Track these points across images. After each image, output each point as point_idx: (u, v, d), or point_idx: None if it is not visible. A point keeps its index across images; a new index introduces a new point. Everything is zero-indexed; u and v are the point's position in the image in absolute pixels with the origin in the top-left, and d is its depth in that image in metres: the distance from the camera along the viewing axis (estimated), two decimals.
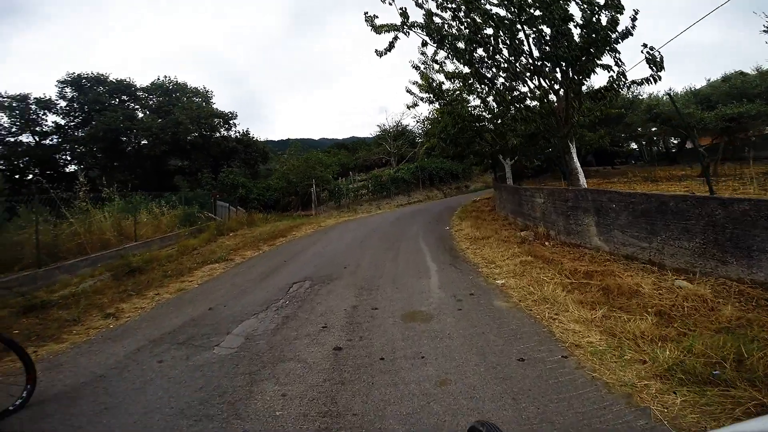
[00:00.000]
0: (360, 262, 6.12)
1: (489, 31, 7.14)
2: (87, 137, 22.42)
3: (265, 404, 2.24)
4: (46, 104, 24.21)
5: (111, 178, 22.48)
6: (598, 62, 6.68)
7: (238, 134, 28.16)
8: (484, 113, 11.83)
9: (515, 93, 7.82)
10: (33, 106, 23.97)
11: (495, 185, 11.84)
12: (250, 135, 28.62)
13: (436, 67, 10.38)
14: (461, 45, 7.36)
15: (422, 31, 7.62)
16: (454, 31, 7.48)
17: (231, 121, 28.14)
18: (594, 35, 6.25)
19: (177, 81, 27.62)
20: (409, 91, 12.27)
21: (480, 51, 7.45)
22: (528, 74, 7.31)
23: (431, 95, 11.76)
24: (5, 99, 23.11)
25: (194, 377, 2.57)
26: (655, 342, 2.62)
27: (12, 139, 23.35)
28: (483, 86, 8.14)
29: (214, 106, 28.42)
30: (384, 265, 5.82)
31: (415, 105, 11.97)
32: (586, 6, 6.49)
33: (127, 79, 26.31)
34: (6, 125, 23.81)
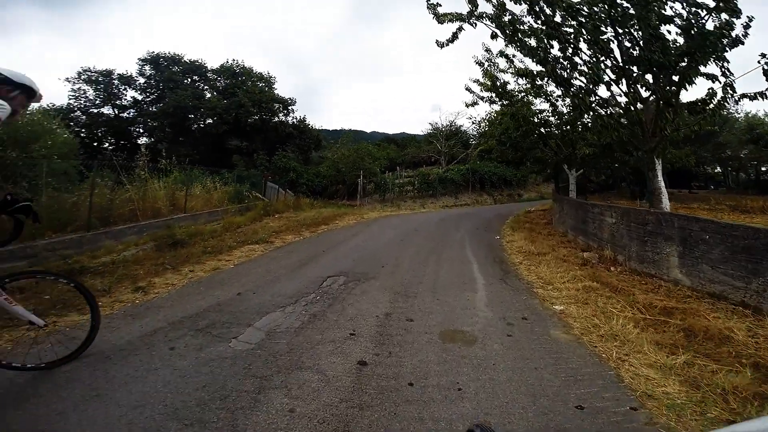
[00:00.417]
0: (399, 263, 5.73)
1: (568, 29, 6.41)
2: (159, 112, 24.07)
3: (268, 418, 1.93)
4: (127, 80, 26.24)
5: (176, 152, 24.04)
6: (701, 70, 5.75)
7: (295, 120, 28.81)
8: (550, 117, 10.89)
9: (594, 97, 6.98)
10: (116, 81, 26.07)
11: (555, 197, 10.89)
12: (306, 122, 29.16)
13: (502, 64, 9.66)
14: (533, 42, 6.68)
15: (491, 23, 7.00)
16: (526, 27, 6.81)
17: (290, 107, 28.81)
18: (700, 39, 5.34)
19: (243, 65, 28.67)
20: (468, 89, 11.58)
21: (556, 49, 6.75)
22: (612, 78, 6.45)
23: (493, 94, 11.02)
24: (93, 74, 25.34)
25: (201, 372, 2.33)
26: (749, 401, 2.08)
27: (95, 111, 25.64)
28: (558, 88, 7.33)
29: (276, 92, 29.24)
30: (425, 269, 5.38)
31: (474, 104, 11.25)
32: (691, 7, 5.59)
33: (199, 60, 27.79)
34: (91, 97, 26.22)
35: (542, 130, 10.76)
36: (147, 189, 8.61)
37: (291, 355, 2.60)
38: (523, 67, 9.83)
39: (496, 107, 11.61)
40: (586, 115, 7.29)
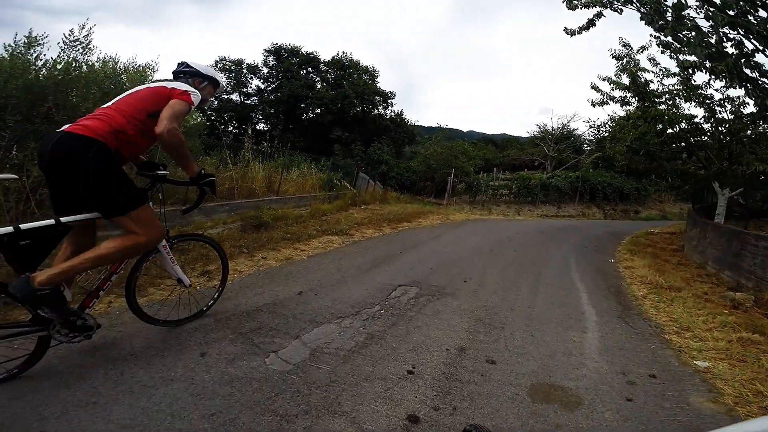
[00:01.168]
0: (485, 279, 4.89)
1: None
2: (275, 100, 26.23)
3: None
4: (253, 69, 29.06)
5: (285, 138, 26.07)
6: None
7: (393, 113, 28.91)
8: (705, 125, 8.65)
9: None
10: (244, 70, 29.07)
11: (693, 220, 8.65)
12: (403, 116, 29.05)
13: (644, 61, 7.99)
14: (706, 26, 5.14)
15: (643, 7, 5.67)
16: (693, 12, 5.30)
17: (389, 101, 28.98)
18: None
19: (351, 58, 29.59)
20: (595, 88, 9.83)
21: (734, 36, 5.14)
22: None
23: (628, 94, 9.16)
24: (228, 63, 28.68)
25: (218, 394, 1.95)
26: None
27: (225, 97, 29.03)
28: (740, 86, 5.61)
29: (378, 85, 29.65)
30: (517, 292, 4.47)
31: (604, 103, 9.50)
32: None
33: (314, 53, 29.46)
34: (224, 85, 29.73)
35: (691, 138, 8.58)
36: (248, 170, 9.11)
37: (329, 391, 2.08)
38: (676, 62, 7.99)
39: (630, 108, 9.66)
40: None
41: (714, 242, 6.80)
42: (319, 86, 27.60)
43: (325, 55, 29.17)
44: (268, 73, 29.22)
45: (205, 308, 2.98)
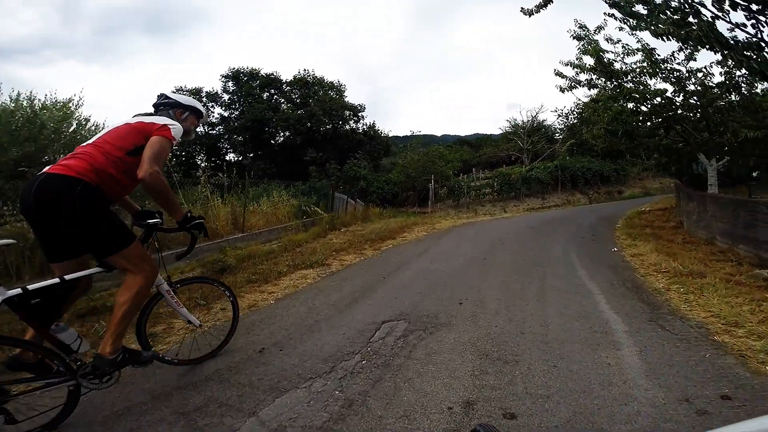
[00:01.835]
0: (483, 297, 4.21)
1: None
2: (239, 127, 25.43)
3: None
4: (213, 97, 28.23)
5: (255, 167, 25.19)
6: None
7: (365, 126, 28.49)
8: (676, 98, 8.34)
9: None
10: (204, 99, 28.21)
11: (688, 193, 8.23)
12: (376, 127, 28.66)
13: (602, 41, 7.79)
14: None
15: None
16: None
17: (360, 114, 28.58)
18: None
19: (314, 74, 29.19)
20: (559, 74, 9.54)
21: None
22: None
23: (596, 75, 8.85)
24: (184, 93, 27.88)
25: None
26: None
27: None
28: (717, 50, 5.22)
29: (346, 99, 29.28)
30: (523, 307, 3.79)
31: (572, 87, 9.16)
32: None
33: (275, 73, 28.91)
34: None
35: (667, 113, 8.23)
36: (208, 208, 8.30)
37: None
38: (636, 39, 7.76)
39: (598, 90, 9.35)
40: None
41: (718, 215, 6.33)
42: (284, 107, 27.02)
43: (288, 75, 28.70)
44: (229, 99, 28.45)
45: (221, 345, 2.97)
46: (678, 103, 8.17)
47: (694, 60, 7.81)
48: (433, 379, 2.48)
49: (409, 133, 27.90)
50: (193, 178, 10.31)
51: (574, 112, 29.72)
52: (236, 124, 26.91)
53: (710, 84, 7.79)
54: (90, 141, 2.19)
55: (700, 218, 7.19)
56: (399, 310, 3.86)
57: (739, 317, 3.12)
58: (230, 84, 28.22)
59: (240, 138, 26.61)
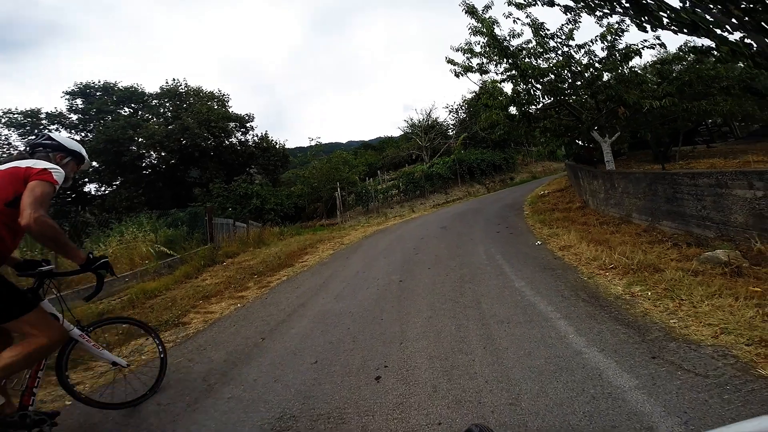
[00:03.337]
0: (409, 358, 2.76)
1: None
2: (89, 151, 20.64)
3: None
4: (56, 118, 22.71)
5: (119, 196, 20.67)
6: None
7: (255, 138, 25.74)
8: (564, 72, 8.19)
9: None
10: (44, 122, 22.54)
11: (590, 172, 8.12)
12: (269, 138, 26.10)
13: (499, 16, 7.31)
14: None
15: None
16: None
17: (248, 124, 25.76)
18: None
19: (187, 84, 25.48)
20: (450, 61, 8.93)
21: None
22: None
23: (487, 57, 8.34)
24: (16, 115, 21.79)
25: None
26: None
27: None
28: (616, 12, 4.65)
29: (231, 110, 26.18)
30: (470, 369, 2.43)
31: (467, 69, 8.54)
32: None
33: (135, 86, 24.47)
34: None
35: (559, 91, 8.02)
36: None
37: None
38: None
39: (494, 75, 8.89)
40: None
41: (631, 191, 5.99)
42: (150, 124, 22.90)
43: (154, 87, 24.52)
44: (78, 119, 23.20)
45: (156, 382, 2.77)
46: (567, 80, 8.00)
47: (577, 29, 7.70)
48: None
49: (314, 144, 25.84)
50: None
51: (463, 107, 31.29)
52: (86, 147, 21.87)
53: (594, 60, 7.74)
54: None
55: (608, 196, 6.95)
56: (279, 411, 2.19)
57: (757, 329, 2.22)
58: (79, 102, 22.99)
59: (94, 164, 21.70)
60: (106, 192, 22.88)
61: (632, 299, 3.10)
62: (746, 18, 3.45)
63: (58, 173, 2.07)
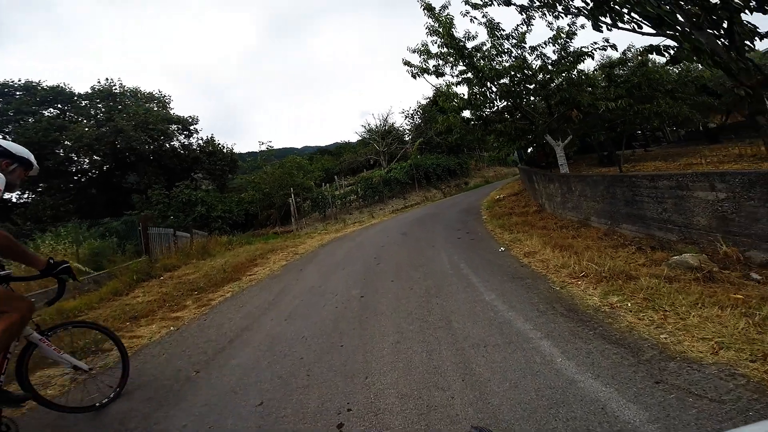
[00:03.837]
0: (376, 398, 2.28)
1: None
2: None
3: None
4: None
5: (43, 204, 18.25)
6: None
7: (200, 141, 24.08)
8: (518, 77, 8.22)
9: None
10: None
11: (545, 176, 8.19)
12: (215, 141, 24.53)
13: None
14: None
15: None
16: None
17: (191, 127, 24.04)
18: None
19: (123, 84, 23.36)
20: (407, 63, 8.72)
21: None
22: None
23: (443, 58, 8.21)
24: None
25: None
26: None
27: None
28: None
29: (173, 112, 24.33)
30: (450, 410, 2.02)
31: (423, 72, 8.33)
32: None
33: (62, 85, 21.99)
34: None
35: (514, 94, 8.04)
36: None
37: None
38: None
39: (449, 78, 8.75)
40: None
41: (588, 194, 6.01)
42: (79, 126, 20.61)
43: (84, 88, 22.19)
44: None
45: (119, 384, 2.79)
46: (522, 83, 8.04)
47: (530, 29, 7.76)
48: None
49: (260, 148, 24.45)
50: None
51: (419, 113, 31.55)
52: None
53: (547, 62, 7.85)
54: None
55: (565, 199, 6.98)
56: None
57: (756, 342, 2.03)
58: None
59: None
60: (28, 200, 20.20)
61: (612, 311, 2.88)
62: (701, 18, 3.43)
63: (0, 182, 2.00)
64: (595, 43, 7.56)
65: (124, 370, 2.85)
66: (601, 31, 6.48)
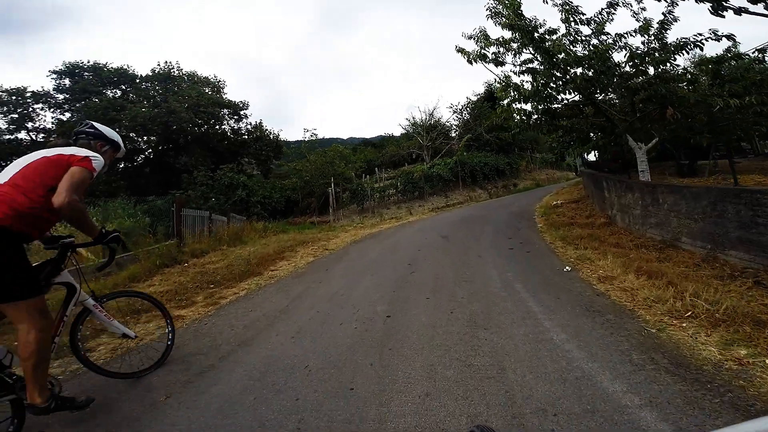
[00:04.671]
0: None
1: None
2: (62, 132, 19.29)
3: None
4: (41, 97, 21.32)
5: (96, 180, 19.30)
6: None
7: (248, 126, 24.39)
8: (599, 68, 6.94)
9: None
10: (29, 100, 21.18)
11: (624, 183, 6.87)
12: (264, 127, 24.73)
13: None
14: None
15: None
16: None
17: (241, 112, 24.41)
18: None
19: (181, 68, 24.12)
20: (460, 50, 7.70)
21: None
22: None
23: (508, 46, 7.13)
24: (1, 93, 20.36)
25: None
26: None
27: (8, 137, 20.63)
28: None
29: (226, 96, 24.84)
30: None
31: (481, 58, 7.30)
32: None
33: (125, 67, 23.10)
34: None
35: (591, 87, 6.78)
36: None
37: None
38: None
39: (510, 67, 7.63)
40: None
41: (683, 210, 4.75)
42: (138, 105, 21.52)
43: (146, 70, 23.23)
44: (64, 99, 21.82)
45: (163, 355, 2.94)
46: (601, 74, 6.76)
47: (611, 18, 6.47)
48: None
49: (305, 135, 24.17)
50: None
51: (468, 108, 29.97)
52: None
53: (635, 51, 6.50)
54: (5, 178, 2.00)
55: (647, 213, 5.71)
56: None
57: None
58: (67, 81, 21.63)
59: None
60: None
61: (742, 369, 1.88)
62: None
63: (97, 161, 2.18)
64: (700, 34, 6.06)
65: (170, 338, 3.03)
66: (723, 16, 5.13)
